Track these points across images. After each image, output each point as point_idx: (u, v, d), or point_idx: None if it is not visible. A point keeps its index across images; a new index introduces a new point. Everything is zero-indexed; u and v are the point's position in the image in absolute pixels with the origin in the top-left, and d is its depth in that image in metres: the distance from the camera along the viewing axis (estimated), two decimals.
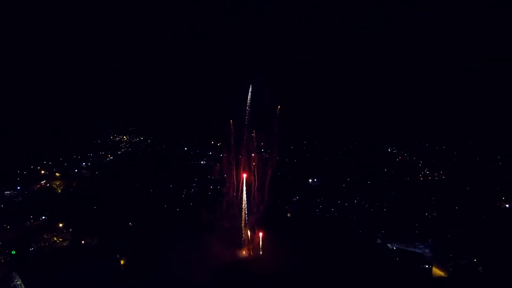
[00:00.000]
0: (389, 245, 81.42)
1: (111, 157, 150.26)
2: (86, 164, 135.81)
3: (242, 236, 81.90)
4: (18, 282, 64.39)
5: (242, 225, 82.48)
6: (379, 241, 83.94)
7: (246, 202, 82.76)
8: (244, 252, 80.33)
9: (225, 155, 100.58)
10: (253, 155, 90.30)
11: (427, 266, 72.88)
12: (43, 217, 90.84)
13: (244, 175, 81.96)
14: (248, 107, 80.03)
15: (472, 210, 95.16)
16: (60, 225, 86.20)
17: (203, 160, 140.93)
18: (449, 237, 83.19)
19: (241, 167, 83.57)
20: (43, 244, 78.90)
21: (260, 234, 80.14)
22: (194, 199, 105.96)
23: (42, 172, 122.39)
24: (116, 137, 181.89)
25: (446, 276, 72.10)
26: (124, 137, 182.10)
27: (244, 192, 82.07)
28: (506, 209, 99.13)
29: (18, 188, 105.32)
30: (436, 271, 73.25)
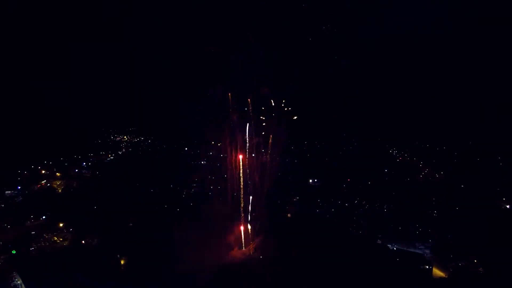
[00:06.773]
0: (389, 245, 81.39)
1: (112, 157, 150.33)
2: (87, 164, 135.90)
3: (242, 237, 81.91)
4: (18, 282, 64.49)
5: (242, 225, 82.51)
6: (379, 241, 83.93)
7: (246, 202, 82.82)
8: (244, 253, 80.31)
9: (225, 155, 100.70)
10: (253, 155, 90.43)
11: (427, 266, 72.78)
12: (43, 217, 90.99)
13: (243, 176, 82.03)
14: (248, 107, 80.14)
15: (472, 210, 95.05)
16: (60, 225, 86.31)
17: (203, 160, 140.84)
18: (449, 238, 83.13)
19: (241, 167, 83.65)
20: (43, 244, 79.04)
21: (260, 234, 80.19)
22: (194, 199, 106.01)
23: (42, 172, 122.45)
24: (116, 137, 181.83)
25: (446, 276, 72.01)
26: (125, 137, 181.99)
27: (244, 192, 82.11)
28: (506, 209, 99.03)
29: (18, 188, 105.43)
30: (436, 272, 73.14)
